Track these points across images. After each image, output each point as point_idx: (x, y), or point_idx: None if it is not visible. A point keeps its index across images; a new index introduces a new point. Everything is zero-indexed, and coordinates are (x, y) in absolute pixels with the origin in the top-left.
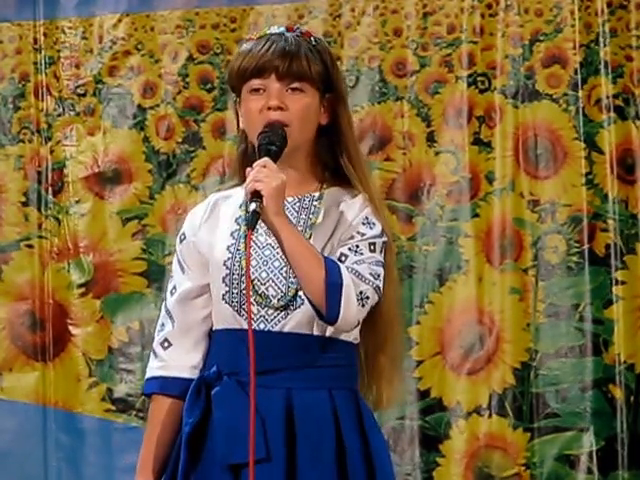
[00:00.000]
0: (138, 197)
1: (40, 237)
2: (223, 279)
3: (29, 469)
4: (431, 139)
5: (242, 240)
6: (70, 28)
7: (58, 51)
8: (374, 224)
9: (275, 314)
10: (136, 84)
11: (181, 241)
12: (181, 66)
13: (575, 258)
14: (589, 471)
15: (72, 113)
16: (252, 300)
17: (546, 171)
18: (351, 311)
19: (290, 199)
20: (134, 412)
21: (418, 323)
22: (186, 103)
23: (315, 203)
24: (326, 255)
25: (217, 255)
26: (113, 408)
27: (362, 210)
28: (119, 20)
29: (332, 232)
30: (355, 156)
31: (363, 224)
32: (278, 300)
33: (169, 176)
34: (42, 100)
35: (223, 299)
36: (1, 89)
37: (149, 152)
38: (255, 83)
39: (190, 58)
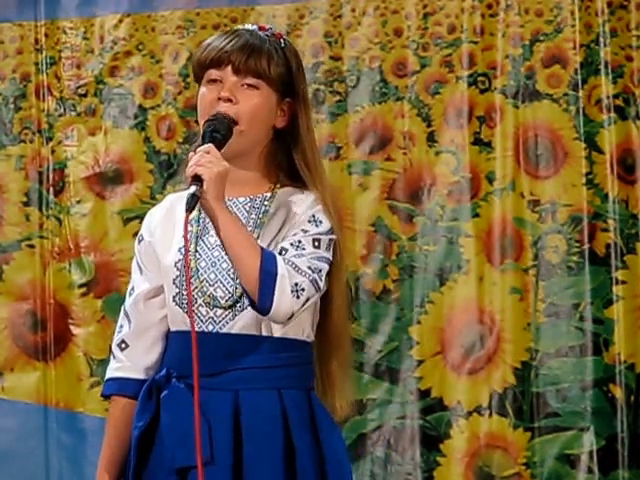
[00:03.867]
0: (139, 197)
1: (41, 237)
2: (173, 281)
3: (30, 469)
4: (431, 139)
5: (193, 241)
6: (71, 28)
7: (59, 51)
8: (321, 222)
9: (223, 315)
10: (137, 84)
11: (139, 242)
12: (182, 66)
13: (575, 258)
14: (589, 470)
15: (73, 113)
16: (201, 301)
17: (546, 171)
18: (284, 301)
19: (242, 199)
20: None
21: (419, 323)
22: (187, 103)
23: (266, 203)
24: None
25: (169, 257)
26: None
27: (311, 208)
28: (120, 20)
29: (279, 230)
30: (311, 159)
31: (309, 222)
32: (226, 301)
33: (170, 176)
34: (43, 100)
35: (174, 301)
36: (2, 89)
37: (150, 152)
38: (212, 73)
39: (191, 58)
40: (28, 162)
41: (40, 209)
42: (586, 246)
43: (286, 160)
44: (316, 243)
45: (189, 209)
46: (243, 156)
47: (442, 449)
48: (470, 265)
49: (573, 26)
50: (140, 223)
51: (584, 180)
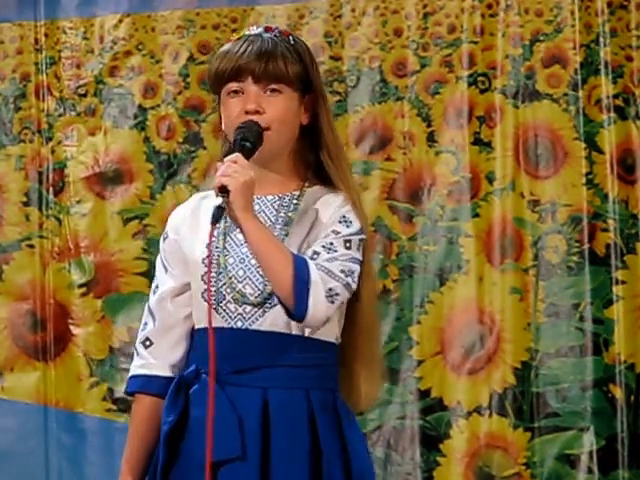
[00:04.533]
0: (139, 197)
1: (41, 237)
2: (201, 277)
3: (30, 469)
4: (431, 139)
5: (220, 238)
6: (71, 28)
7: (59, 51)
8: (351, 222)
9: (252, 312)
10: (137, 84)
11: (164, 240)
12: (182, 66)
13: (575, 258)
14: (589, 471)
15: (73, 113)
16: (230, 298)
17: (546, 171)
18: (319, 308)
19: (270, 197)
20: None
21: (419, 323)
22: (187, 103)
23: (295, 201)
24: (302, 253)
25: (196, 253)
26: (114, 408)
27: (340, 209)
28: (120, 20)
29: (309, 230)
30: (336, 155)
31: (339, 222)
32: (255, 298)
33: (170, 176)
34: (43, 100)
35: (202, 297)
36: (2, 89)
37: (150, 152)
38: (233, 86)
39: (191, 58)
40: (28, 162)
41: (40, 209)
42: (586, 246)
43: (314, 158)
44: (347, 244)
45: (214, 221)
46: (274, 157)
47: (442, 449)
48: (470, 265)
49: (573, 26)
50: (140, 223)
51: (584, 180)
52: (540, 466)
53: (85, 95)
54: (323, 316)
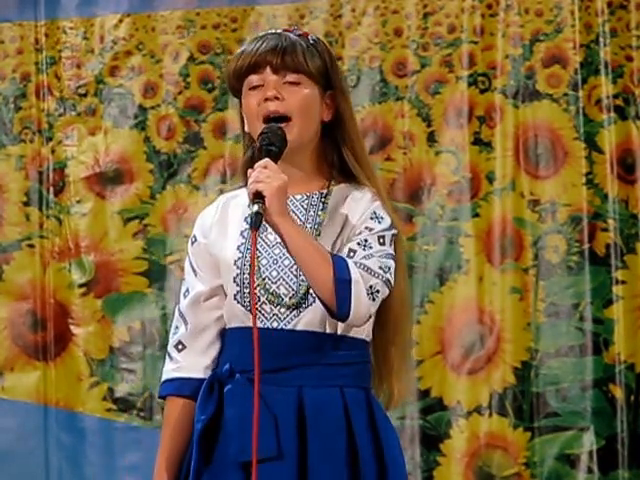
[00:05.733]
0: (139, 197)
1: (41, 237)
2: (234, 279)
3: (30, 468)
4: (432, 139)
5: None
6: (71, 28)
7: (59, 51)
8: (382, 218)
9: (287, 312)
10: (137, 84)
11: (192, 243)
12: (182, 66)
13: (575, 258)
14: (589, 470)
15: (73, 113)
16: (264, 299)
17: (546, 171)
18: (362, 306)
19: (298, 197)
20: (135, 412)
21: (418, 322)
22: (187, 103)
23: (323, 200)
24: (336, 251)
25: (228, 255)
26: (114, 407)
27: (370, 205)
28: (120, 20)
29: (341, 229)
30: (360, 152)
31: (371, 219)
32: (290, 298)
33: (170, 176)
34: (43, 100)
35: (235, 299)
36: (2, 89)
37: (150, 152)
38: (253, 79)
39: (191, 58)
40: (28, 162)
41: (40, 209)
42: (586, 246)
43: (336, 155)
44: (381, 240)
45: (255, 228)
46: (297, 152)
47: (442, 449)
48: (470, 265)
49: (573, 26)
50: (140, 223)
51: (584, 180)
52: (540, 466)
53: (85, 95)
54: (366, 314)
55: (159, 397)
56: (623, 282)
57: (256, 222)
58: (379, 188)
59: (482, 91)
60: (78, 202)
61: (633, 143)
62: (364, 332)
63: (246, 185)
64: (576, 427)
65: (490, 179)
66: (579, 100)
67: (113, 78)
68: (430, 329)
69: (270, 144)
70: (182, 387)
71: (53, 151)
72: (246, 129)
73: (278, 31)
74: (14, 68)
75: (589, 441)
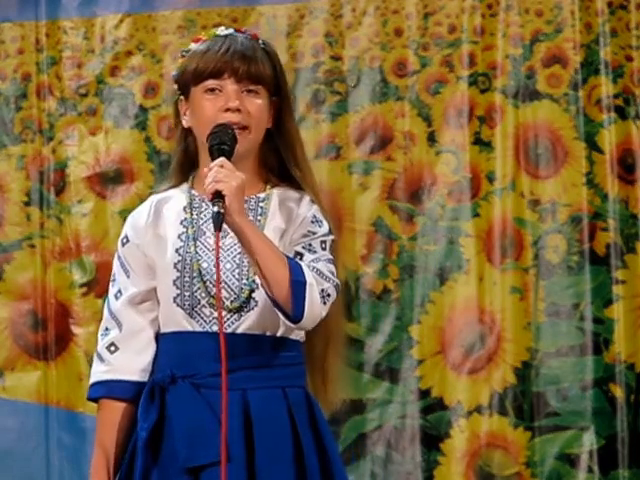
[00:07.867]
0: (140, 197)
1: (42, 237)
2: (174, 282)
3: (31, 468)
4: (432, 139)
5: (191, 242)
6: (72, 28)
7: (60, 51)
8: (322, 222)
9: (228, 316)
10: (138, 84)
11: (124, 244)
12: None
13: (575, 257)
14: (590, 470)
15: (74, 113)
16: (205, 302)
17: (546, 171)
18: (315, 309)
19: None
20: None
21: (419, 322)
22: None
23: (261, 204)
24: None
25: (166, 258)
26: None
27: (310, 209)
28: (121, 20)
29: (283, 232)
30: (300, 156)
31: (312, 222)
32: (231, 302)
33: None
34: (44, 100)
35: (174, 302)
36: (3, 89)
37: (151, 152)
38: (211, 83)
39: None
40: (29, 162)
41: (41, 209)
42: (586, 246)
43: (275, 160)
44: (323, 245)
45: (217, 228)
46: (243, 158)
47: (442, 449)
48: (470, 265)
49: (573, 26)
50: None
51: (584, 180)
52: (540, 465)
53: (86, 95)
54: (318, 317)
55: (89, 399)
56: (623, 282)
57: (218, 222)
58: (317, 193)
59: (482, 91)
60: (79, 202)
61: (633, 143)
62: (299, 334)
63: (176, 184)
64: (576, 427)
65: (490, 179)
66: (579, 100)
67: (114, 78)
68: (430, 329)
69: (222, 143)
70: (115, 389)
71: (54, 151)
72: (185, 125)
73: (230, 32)
74: (15, 68)
75: (589, 441)
